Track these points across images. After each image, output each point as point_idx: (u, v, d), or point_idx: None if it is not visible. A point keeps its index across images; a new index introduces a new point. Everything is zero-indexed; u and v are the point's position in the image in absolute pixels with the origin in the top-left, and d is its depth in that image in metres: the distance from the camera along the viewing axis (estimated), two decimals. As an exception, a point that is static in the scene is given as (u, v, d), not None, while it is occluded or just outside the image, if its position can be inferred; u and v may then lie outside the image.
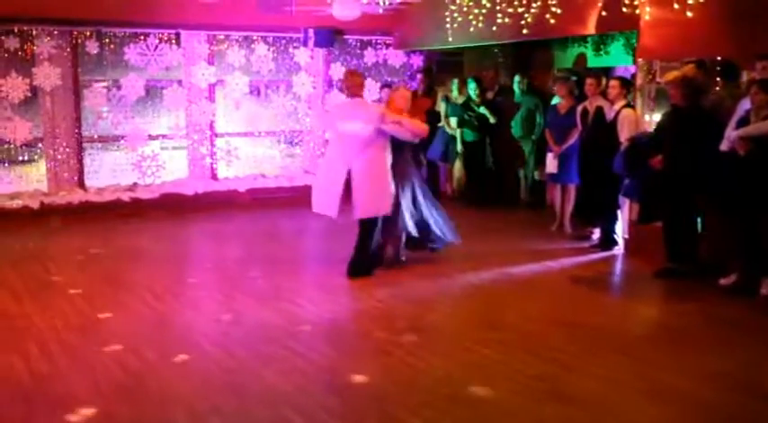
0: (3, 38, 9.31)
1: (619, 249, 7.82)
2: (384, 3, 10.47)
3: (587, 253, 7.74)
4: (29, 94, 9.52)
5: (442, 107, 10.62)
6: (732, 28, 6.51)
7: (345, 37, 11.16)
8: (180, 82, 10.35)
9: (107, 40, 9.89)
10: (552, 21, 8.27)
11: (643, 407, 4.11)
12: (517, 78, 9.91)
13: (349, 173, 6.54)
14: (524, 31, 8.66)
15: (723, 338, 5.26)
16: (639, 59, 7.59)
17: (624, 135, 7.25)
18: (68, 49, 9.68)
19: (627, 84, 7.63)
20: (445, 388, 4.30)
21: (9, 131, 9.42)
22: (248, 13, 10.09)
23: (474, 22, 9.36)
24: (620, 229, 7.92)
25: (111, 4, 9.38)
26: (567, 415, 4.00)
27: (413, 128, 6.69)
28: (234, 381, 4.40)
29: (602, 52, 9.97)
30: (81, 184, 9.96)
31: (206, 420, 3.91)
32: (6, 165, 9.72)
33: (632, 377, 4.48)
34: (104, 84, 9.99)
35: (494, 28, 9.07)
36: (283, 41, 10.90)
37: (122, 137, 10.18)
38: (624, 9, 7.39)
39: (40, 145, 9.81)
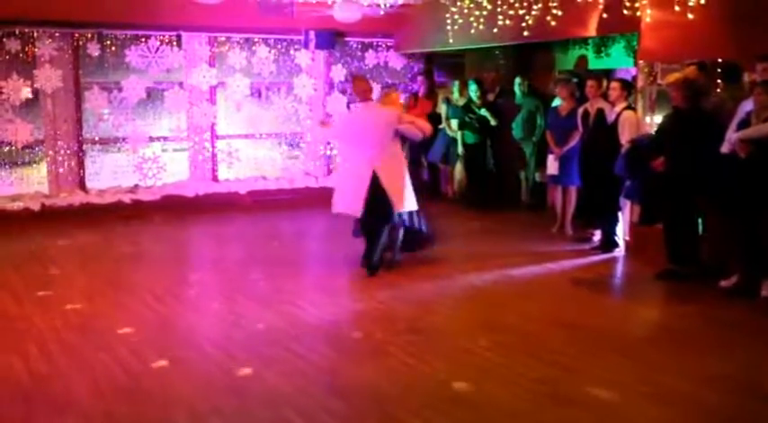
0: (4, 40, 9.34)
1: (620, 251, 7.81)
2: (385, 5, 10.48)
3: (588, 255, 7.74)
4: (30, 96, 9.54)
5: (442, 109, 10.63)
6: (733, 30, 6.51)
7: (346, 39, 11.17)
8: (181, 84, 10.36)
9: (108, 42, 9.91)
10: (553, 23, 8.27)
11: (644, 409, 4.10)
12: (518, 80, 9.91)
13: (373, 173, 6.76)
14: (525, 33, 8.66)
15: (724, 340, 5.25)
16: (640, 61, 7.60)
17: (625, 137, 7.25)
18: (69, 52, 9.70)
19: (627, 85, 7.63)
20: (446, 390, 4.30)
21: (10, 133, 9.45)
22: (249, 15, 10.10)
23: (475, 24, 9.36)
24: (621, 231, 7.92)
25: (112, 6, 9.40)
26: (567, 417, 4.00)
27: (422, 127, 7.12)
28: (235, 382, 4.39)
29: (603, 54, 9.97)
30: (82, 186, 9.97)
31: (207, 421, 3.91)
32: (7, 166, 9.73)
33: (633, 379, 4.47)
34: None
35: (495, 30, 9.08)
36: (284, 43, 10.92)
37: (123, 139, 10.19)
38: (625, 11, 7.40)
39: (41, 147, 9.81)
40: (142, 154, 10.19)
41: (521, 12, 8.64)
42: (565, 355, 4.84)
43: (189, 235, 9.16)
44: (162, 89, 10.32)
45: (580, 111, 8.08)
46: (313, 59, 11.10)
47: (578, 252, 7.83)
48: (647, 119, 7.62)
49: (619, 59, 9.71)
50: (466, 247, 8.21)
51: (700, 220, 6.71)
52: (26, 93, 9.41)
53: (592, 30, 7.96)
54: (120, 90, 9.97)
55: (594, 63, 10.14)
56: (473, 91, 10.16)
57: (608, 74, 9.27)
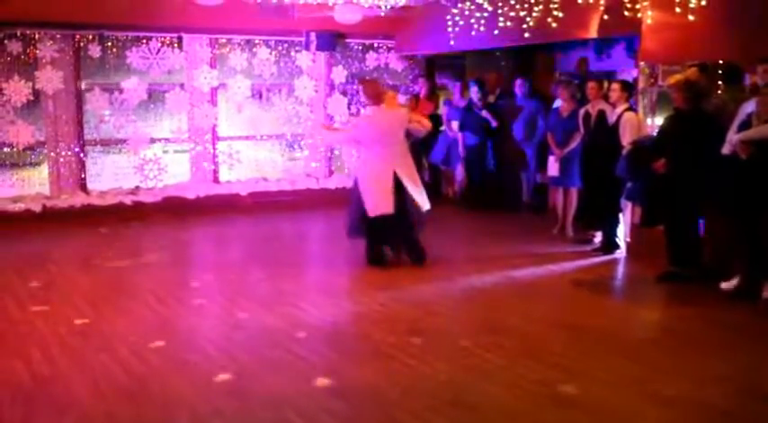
0: (5, 41, 9.34)
1: (621, 253, 7.81)
2: (386, 6, 10.49)
3: (589, 256, 7.74)
4: (31, 98, 9.55)
5: (444, 111, 10.63)
6: (734, 31, 6.52)
7: (347, 41, 11.17)
8: (182, 85, 10.37)
9: (109, 44, 9.92)
10: (554, 24, 8.28)
11: (645, 411, 4.10)
12: (519, 82, 9.92)
13: (395, 174, 7.05)
14: (526, 35, 8.66)
15: (725, 342, 5.24)
16: (641, 63, 7.60)
17: (626, 139, 7.25)
18: (71, 53, 9.71)
19: (627, 87, 7.63)
20: (447, 392, 4.30)
21: (11, 135, 9.45)
22: (250, 16, 10.12)
23: (476, 26, 9.37)
24: (622, 233, 7.92)
25: (113, 7, 9.41)
26: (569, 418, 3.99)
27: (427, 125, 7.59)
28: (236, 384, 4.40)
29: (603, 56, 9.98)
30: (83, 188, 9.98)
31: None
32: (9, 168, 9.73)
33: (634, 381, 4.47)
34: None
35: (496, 32, 9.09)
36: (285, 45, 10.92)
37: (124, 140, 10.20)
38: (626, 13, 7.40)
39: (42, 148, 9.82)
40: (143, 155, 10.19)
41: (522, 13, 8.65)
42: (566, 357, 4.84)
43: (190, 236, 9.16)
44: (163, 91, 10.33)
45: (581, 112, 8.08)
46: (314, 61, 11.10)
47: (579, 254, 7.83)
48: (649, 120, 7.62)
49: (620, 61, 9.72)
50: (467, 248, 8.22)
51: (701, 222, 6.71)
52: (27, 93, 9.43)
53: (593, 31, 7.97)
54: (120, 91, 9.97)
55: (596, 64, 10.16)
56: (474, 92, 10.17)
57: (609, 75, 9.28)
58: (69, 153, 9.85)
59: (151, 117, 10.46)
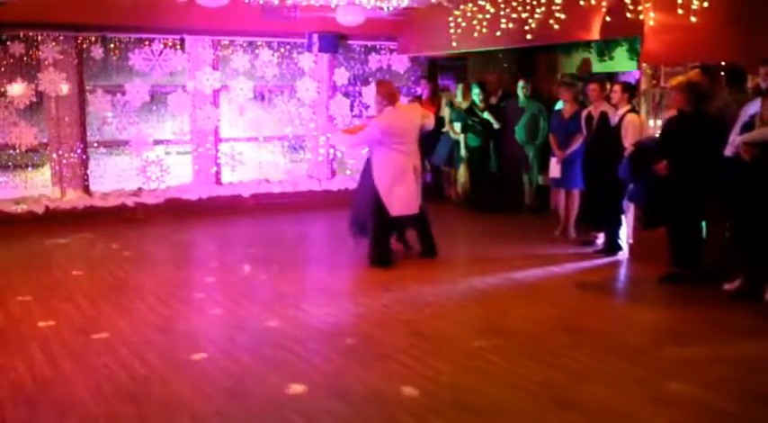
0: (8, 43, 9.36)
1: (623, 254, 7.80)
2: (388, 8, 10.49)
3: (591, 258, 7.73)
4: (34, 100, 9.57)
5: (446, 112, 10.64)
6: (736, 33, 6.51)
7: (349, 42, 11.18)
8: (184, 87, 10.38)
9: (112, 46, 9.93)
10: (556, 26, 8.28)
11: (647, 412, 4.09)
12: (521, 83, 9.91)
13: (414, 169, 7.28)
14: (528, 37, 8.67)
15: (727, 344, 5.24)
16: (644, 65, 7.59)
17: (629, 140, 7.24)
18: (73, 55, 9.73)
19: (629, 88, 7.63)
20: (449, 393, 4.29)
21: (14, 136, 9.47)
22: (253, 18, 10.13)
23: (478, 28, 9.37)
24: (625, 235, 7.91)
25: (115, 9, 9.42)
26: (571, 420, 3.99)
27: (433, 119, 7.70)
28: (237, 384, 4.40)
29: (606, 57, 9.97)
30: (86, 189, 9.99)
31: (209, 424, 3.92)
32: (11, 170, 9.75)
33: (636, 382, 4.47)
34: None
35: (498, 33, 9.09)
36: (288, 47, 10.94)
37: (127, 142, 10.21)
38: (628, 14, 7.40)
39: (45, 150, 9.83)
40: (146, 157, 10.20)
41: (524, 15, 8.65)
42: (568, 359, 4.84)
43: (192, 238, 9.17)
44: (165, 92, 10.34)
45: (583, 114, 8.08)
46: (316, 62, 11.12)
47: (581, 255, 7.82)
48: (651, 122, 7.61)
49: (622, 63, 9.72)
50: (469, 249, 8.22)
51: (703, 224, 6.70)
52: (29, 95, 9.46)
53: (595, 33, 7.97)
54: (123, 93, 9.99)
55: (598, 66, 10.15)
56: (476, 94, 10.18)
57: (611, 77, 9.28)
58: (72, 155, 9.87)
59: (154, 119, 10.47)
